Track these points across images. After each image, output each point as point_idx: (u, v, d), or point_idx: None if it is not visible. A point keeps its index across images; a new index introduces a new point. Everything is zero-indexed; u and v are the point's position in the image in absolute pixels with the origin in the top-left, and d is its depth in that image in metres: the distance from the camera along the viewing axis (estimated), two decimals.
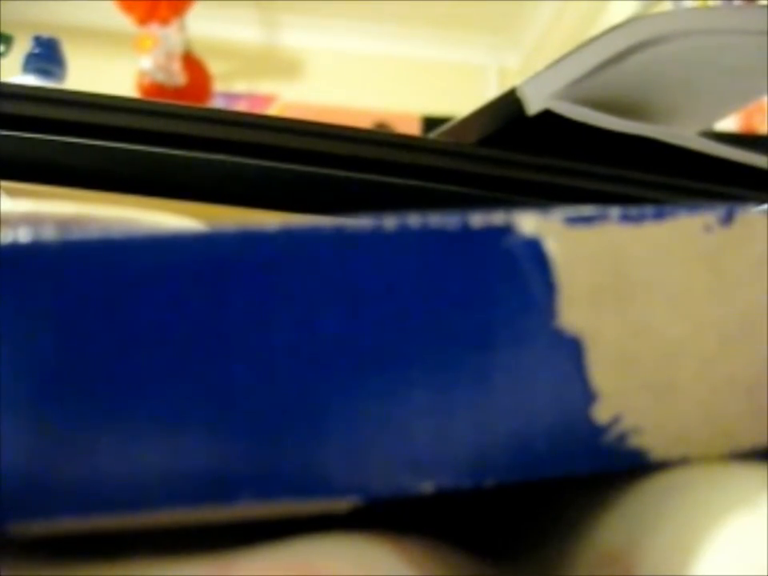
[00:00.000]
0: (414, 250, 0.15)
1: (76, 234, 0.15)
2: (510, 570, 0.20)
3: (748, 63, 0.46)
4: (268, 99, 2.69)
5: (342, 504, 0.16)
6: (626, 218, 0.16)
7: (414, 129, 2.09)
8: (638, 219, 0.16)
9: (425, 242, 0.15)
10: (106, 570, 0.15)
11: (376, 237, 0.15)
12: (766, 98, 1.29)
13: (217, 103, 2.41)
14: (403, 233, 0.15)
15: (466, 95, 2.55)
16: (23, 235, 0.14)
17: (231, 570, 0.15)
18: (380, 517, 0.18)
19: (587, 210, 0.16)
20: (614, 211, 0.16)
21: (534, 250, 0.16)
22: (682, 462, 0.17)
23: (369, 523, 0.17)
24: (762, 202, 0.38)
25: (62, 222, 0.18)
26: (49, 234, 0.14)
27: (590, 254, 0.16)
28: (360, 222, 0.15)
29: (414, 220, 0.16)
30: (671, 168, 0.43)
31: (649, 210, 0.17)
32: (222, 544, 0.16)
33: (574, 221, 0.16)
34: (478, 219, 0.16)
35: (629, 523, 0.16)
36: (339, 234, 0.15)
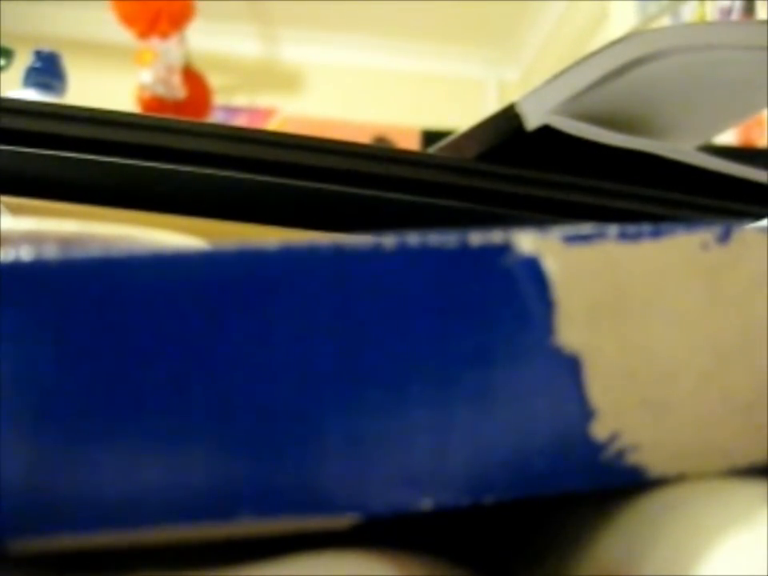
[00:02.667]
0: (413, 268, 0.15)
1: (77, 253, 0.15)
2: None
3: (746, 78, 0.46)
4: (268, 113, 2.69)
5: (341, 521, 0.16)
6: (623, 236, 0.16)
7: (413, 143, 2.10)
8: (636, 237, 0.17)
9: (424, 260, 0.16)
10: None
11: (375, 255, 0.15)
12: (764, 112, 1.30)
13: (217, 117, 2.41)
14: (402, 251, 0.15)
15: (465, 109, 2.56)
16: (25, 254, 0.14)
17: None
18: (380, 533, 0.18)
19: (585, 228, 0.16)
20: (612, 229, 0.16)
21: (533, 268, 0.16)
22: (680, 478, 0.17)
23: (369, 540, 0.17)
24: (761, 216, 0.38)
25: (64, 240, 0.18)
26: (50, 252, 0.15)
27: (588, 271, 0.16)
28: (359, 240, 0.15)
29: (412, 238, 0.16)
30: (670, 183, 0.43)
31: (646, 228, 0.17)
32: (221, 561, 0.16)
33: (572, 239, 0.16)
34: (476, 237, 0.16)
35: (627, 539, 0.16)
36: (338, 253, 0.15)
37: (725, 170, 0.44)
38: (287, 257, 0.15)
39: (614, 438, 0.17)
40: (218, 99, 2.29)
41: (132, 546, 0.16)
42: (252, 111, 2.73)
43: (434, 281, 0.16)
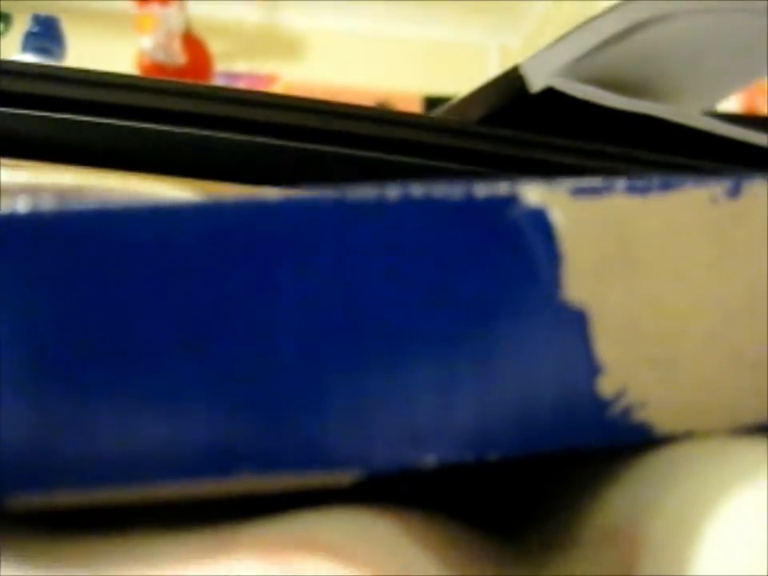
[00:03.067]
0: (417, 220, 0.15)
1: (74, 205, 0.14)
2: (513, 545, 0.20)
3: (750, 43, 0.46)
4: (269, 79, 2.68)
5: (343, 477, 0.16)
6: (632, 189, 0.16)
7: (415, 108, 2.09)
8: (644, 190, 0.16)
9: (428, 212, 0.15)
10: (105, 544, 0.15)
11: (378, 206, 0.15)
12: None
13: (218, 82, 2.40)
14: (406, 203, 0.15)
15: (467, 75, 2.55)
16: (22, 205, 0.14)
17: (233, 542, 0.15)
18: (383, 492, 0.18)
19: (593, 180, 0.16)
20: (620, 182, 0.16)
21: (539, 220, 0.16)
22: (687, 436, 0.17)
23: (372, 498, 0.17)
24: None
25: (62, 192, 0.18)
26: (47, 204, 0.14)
27: (596, 225, 0.16)
28: (362, 191, 0.15)
29: (416, 190, 0.15)
30: (674, 146, 0.43)
31: (655, 181, 0.16)
32: (223, 518, 0.16)
33: (579, 191, 0.16)
34: (482, 189, 0.16)
35: (632, 498, 0.16)
36: (341, 204, 0.15)
37: (729, 134, 0.44)
38: (288, 208, 0.15)
39: (620, 394, 0.16)
40: (219, 65, 2.28)
41: (131, 503, 0.16)
42: (253, 77, 2.72)
43: (438, 233, 0.15)
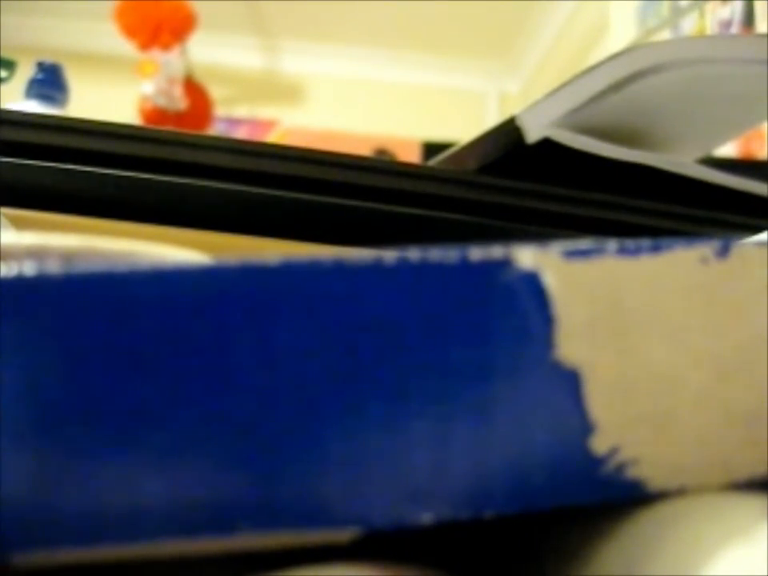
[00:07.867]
0: (414, 283, 0.16)
1: (80, 268, 0.15)
2: None
3: (746, 91, 0.46)
4: (269, 124, 2.70)
5: (342, 535, 0.16)
6: (623, 251, 0.17)
7: (414, 154, 2.10)
8: (635, 252, 0.17)
9: (424, 275, 0.16)
10: None
11: (375, 270, 0.15)
12: (764, 125, 1.30)
13: (218, 128, 2.42)
14: (403, 266, 0.16)
15: (466, 121, 2.57)
16: (28, 268, 0.15)
17: None
18: (382, 547, 0.18)
19: (584, 243, 0.16)
20: (612, 244, 0.16)
21: (533, 283, 0.16)
22: (680, 492, 0.17)
23: (370, 554, 0.17)
24: (761, 229, 0.38)
25: (66, 255, 0.18)
26: (53, 267, 0.15)
27: (588, 287, 0.16)
28: (360, 255, 0.15)
29: (413, 254, 0.16)
30: (670, 195, 0.43)
31: (645, 243, 0.17)
32: (222, 574, 0.16)
33: (571, 254, 0.16)
34: (476, 253, 0.16)
35: (627, 553, 0.16)
36: (339, 268, 0.15)
37: (725, 183, 0.44)
38: (287, 271, 0.15)
39: (613, 452, 0.17)
40: (219, 110, 2.30)
41: (133, 560, 0.16)
42: (253, 123, 2.74)
43: (434, 296, 0.16)
